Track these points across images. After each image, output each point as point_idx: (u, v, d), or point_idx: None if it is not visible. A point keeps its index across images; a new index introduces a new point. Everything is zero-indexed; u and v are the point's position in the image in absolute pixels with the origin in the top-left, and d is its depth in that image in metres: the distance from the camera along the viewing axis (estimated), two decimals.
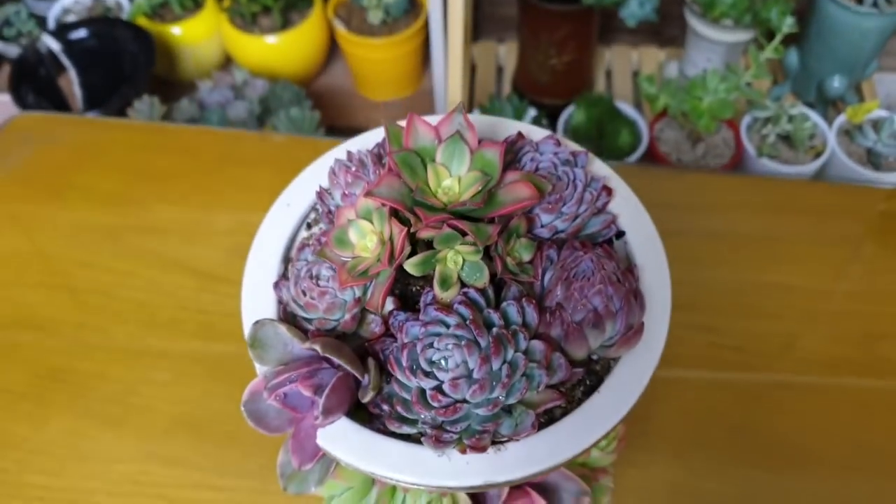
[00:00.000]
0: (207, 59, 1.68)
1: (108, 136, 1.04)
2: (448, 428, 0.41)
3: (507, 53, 1.68)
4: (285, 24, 1.59)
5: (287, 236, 0.51)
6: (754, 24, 1.33)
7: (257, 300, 0.47)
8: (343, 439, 0.42)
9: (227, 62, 1.74)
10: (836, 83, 1.39)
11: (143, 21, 1.60)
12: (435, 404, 0.40)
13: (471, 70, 1.65)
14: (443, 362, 0.40)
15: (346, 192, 0.47)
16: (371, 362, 0.43)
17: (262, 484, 0.74)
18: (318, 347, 0.41)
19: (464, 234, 0.41)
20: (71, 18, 1.63)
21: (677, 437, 0.75)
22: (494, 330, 0.41)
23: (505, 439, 0.42)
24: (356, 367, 0.42)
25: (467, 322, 0.41)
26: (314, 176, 0.52)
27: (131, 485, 0.75)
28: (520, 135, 0.50)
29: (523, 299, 0.43)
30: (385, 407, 0.42)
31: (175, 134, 1.05)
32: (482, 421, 0.41)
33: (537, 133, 0.51)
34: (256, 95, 1.45)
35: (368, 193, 0.41)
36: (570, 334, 0.42)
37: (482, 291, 0.43)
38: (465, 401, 0.41)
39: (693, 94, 1.26)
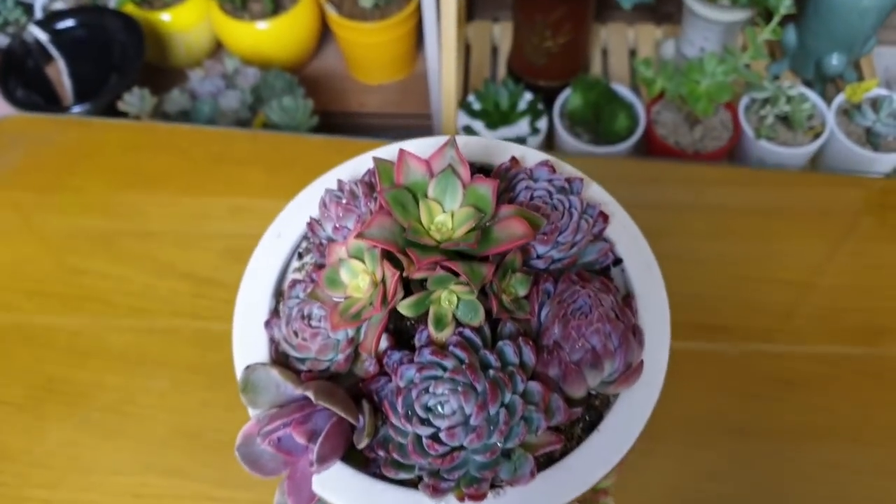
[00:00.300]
0: (198, 45, 1.65)
1: (98, 136, 1.02)
2: (446, 476, 0.40)
3: (501, 33, 1.66)
4: (276, 10, 1.56)
5: (278, 268, 0.50)
6: (752, 4, 1.31)
7: (248, 339, 0.46)
8: (339, 486, 0.42)
9: (218, 48, 1.72)
10: (835, 61, 1.37)
11: (131, 8, 1.57)
12: (432, 452, 0.40)
13: (465, 51, 1.63)
14: (439, 408, 0.40)
15: (338, 226, 0.46)
16: (366, 405, 0.42)
17: (262, 495, 0.74)
18: (311, 394, 0.40)
19: (457, 274, 0.40)
20: (58, 6, 1.60)
21: (677, 438, 0.75)
22: (491, 372, 0.40)
23: (503, 483, 0.41)
24: (351, 413, 0.41)
25: (464, 366, 0.40)
26: (305, 204, 0.51)
27: (131, 497, 0.75)
28: (514, 160, 0.49)
29: (520, 338, 0.42)
30: (381, 452, 0.41)
31: (166, 133, 1.03)
32: (480, 467, 0.40)
33: (532, 156, 0.50)
34: (248, 84, 1.44)
35: (360, 235, 0.40)
36: (568, 374, 0.41)
37: (478, 330, 0.42)
38: (462, 447, 0.40)
39: (691, 78, 1.24)
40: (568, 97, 1.41)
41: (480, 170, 0.50)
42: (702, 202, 0.91)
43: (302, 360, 0.44)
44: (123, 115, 1.37)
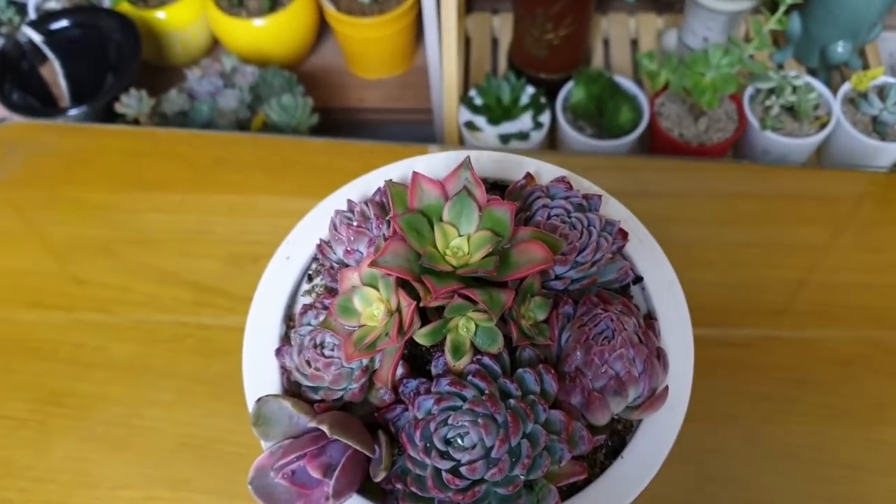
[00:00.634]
0: (195, 43, 1.63)
1: (97, 142, 1.00)
2: None
3: (501, 25, 1.64)
4: (273, 6, 1.54)
5: (288, 292, 0.48)
6: None
7: (259, 367, 0.45)
8: None
9: (215, 45, 1.69)
10: (840, 48, 1.36)
11: (126, 7, 1.55)
12: (452, 487, 0.38)
13: (465, 44, 1.61)
14: (459, 441, 0.39)
15: (349, 249, 0.45)
16: (382, 436, 0.41)
17: None
18: (325, 428, 0.39)
19: (475, 301, 0.39)
20: (52, 6, 1.58)
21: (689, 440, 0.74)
22: (512, 402, 0.39)
23: None
24: (366, 446, 0.40)
25: (483, 396, 0.39)
26: (313, 224, 0.50)
27: None
28: (529, 177, 0.47)
29: (540, 366, 0.41)
30: (399, 485, 0.40)
31: (166, 139, 1.02)
32: (502, 501, 0.39)
33: (547, 171, 0.48)
34: (247, 83, 1.41)
35: (373, 263, 0.39)
36: (591, 402, 0.40)
37: (496, 357, 0.41)
38: (483, 481, 0.39)
39: (695, 70, 1.23)
40: (570, 91, 1.39)
41: (494, 186, 0.49)
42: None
43: (315, 390, 0.43)
44: (121, 117, 1.35)
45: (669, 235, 0.60)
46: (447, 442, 0.39)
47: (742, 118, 1.32)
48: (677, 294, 0.45)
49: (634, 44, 1.60)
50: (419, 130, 1.65)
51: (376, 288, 0.41)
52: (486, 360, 0.40)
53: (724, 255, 0.85)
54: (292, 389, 0.44)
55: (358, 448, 0.39)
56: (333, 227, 0.46)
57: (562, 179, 0.46)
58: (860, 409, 0.75)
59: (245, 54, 1.54)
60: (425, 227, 0.41)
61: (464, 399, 0.39)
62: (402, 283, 0.40)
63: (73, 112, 1.34)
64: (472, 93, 1.43)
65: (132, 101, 1.32)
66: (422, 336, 0.40)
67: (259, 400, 0.41)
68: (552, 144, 1.45)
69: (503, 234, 0.40)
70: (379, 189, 0.48)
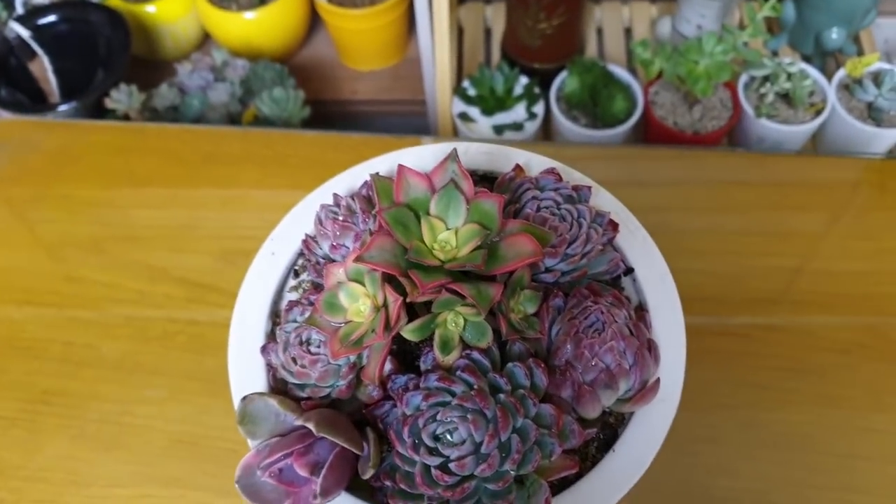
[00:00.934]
0: (185, 37, 1.62)
1: (86, 139, 1.00)
2: None
3: (494, 14, 1.63)
4: None
5: (273, 288, 0.47)
6: None
7: (245, 365, 0.44)
8: None
9: (206, 39, 1.68)
10: (835, 35, 1.35)
11: (115, 1, 1.54)
12: (441, 483, 0.38)
13: (458, 34, 1.60)
14: (448, 437, 0.38)
15: (335, 244, 0.44)
16: (370, 433, 0.40)
17: None
18: (312, 426, 0.38)
19: (464, 296, 0.38)
20: (40, 1, 1.57)
21: (685, 430, 0.73)
22: (501, 396, 0.38)
23: None
24: (354, 443, 0.39)
25: (472, 391, 0.38)
26: (299, 219, 0.49)
27: None
28: (518, 168, 0.46)
29: (530, 360, 0.40)
30: (387, 482, 0.40)
31: (155, 134, 1.01)
32: (492, 496, 0.38)
33: (537, 163, 0.48)
34: (237, 77, 1.40)
35: (359, 258, 0.38)
36: (581, 395, 0.40)
37: (486, 351, 0.40)
38: (473, 476, 0.38)
39: (689, 58, 1.22)
40: (564, 80, 1.38)
41: (483, 178, 0.48)
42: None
43: (301, 387, 0.42)
44: (111, 112, 1.34)
45: (664, 225, 0.59)
46: (436, 438, 0.38)
47: (737, 106, 1.32)
48: (669, 285, 0.45)
49: (628, 32, 1.59)
50: (412, 122, 1.64)
51: (362, 283, 0.40)
52: (476, 354, 0.40)
53: (718, 243, 0.84)
54: (279, 387, 0.44)
55: (345, 446, 0.39)
56: (319, 221, 0.45)
57: (551, 171, 0.46)
58: (856, 397, 0.74)
59: (236, 48, 1.53)
60: (412, 221, 0.40)
61: (453, 394, 0.38)
62: (389, 279, 0.40)
63: (62, 108, 1.33)
64: (466, 83, 1.42)
65: (122, 97, 1.31)
66: (409, 332, 0.39)
67: (244, 398, 0.40)
68: (546, 135, 1.44)
69: (491, 228, 0.40)
70: (365, 182, 0.47)
